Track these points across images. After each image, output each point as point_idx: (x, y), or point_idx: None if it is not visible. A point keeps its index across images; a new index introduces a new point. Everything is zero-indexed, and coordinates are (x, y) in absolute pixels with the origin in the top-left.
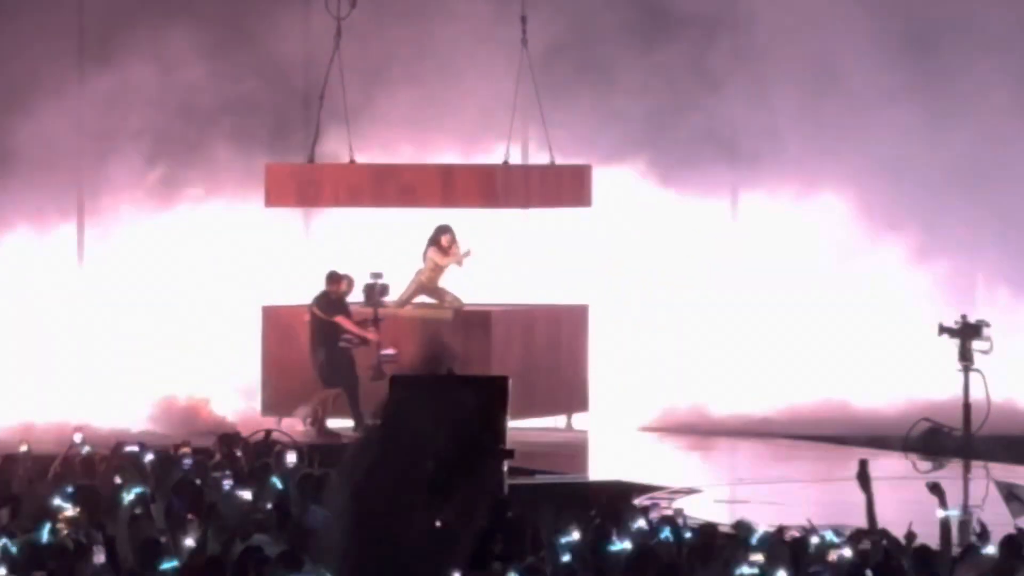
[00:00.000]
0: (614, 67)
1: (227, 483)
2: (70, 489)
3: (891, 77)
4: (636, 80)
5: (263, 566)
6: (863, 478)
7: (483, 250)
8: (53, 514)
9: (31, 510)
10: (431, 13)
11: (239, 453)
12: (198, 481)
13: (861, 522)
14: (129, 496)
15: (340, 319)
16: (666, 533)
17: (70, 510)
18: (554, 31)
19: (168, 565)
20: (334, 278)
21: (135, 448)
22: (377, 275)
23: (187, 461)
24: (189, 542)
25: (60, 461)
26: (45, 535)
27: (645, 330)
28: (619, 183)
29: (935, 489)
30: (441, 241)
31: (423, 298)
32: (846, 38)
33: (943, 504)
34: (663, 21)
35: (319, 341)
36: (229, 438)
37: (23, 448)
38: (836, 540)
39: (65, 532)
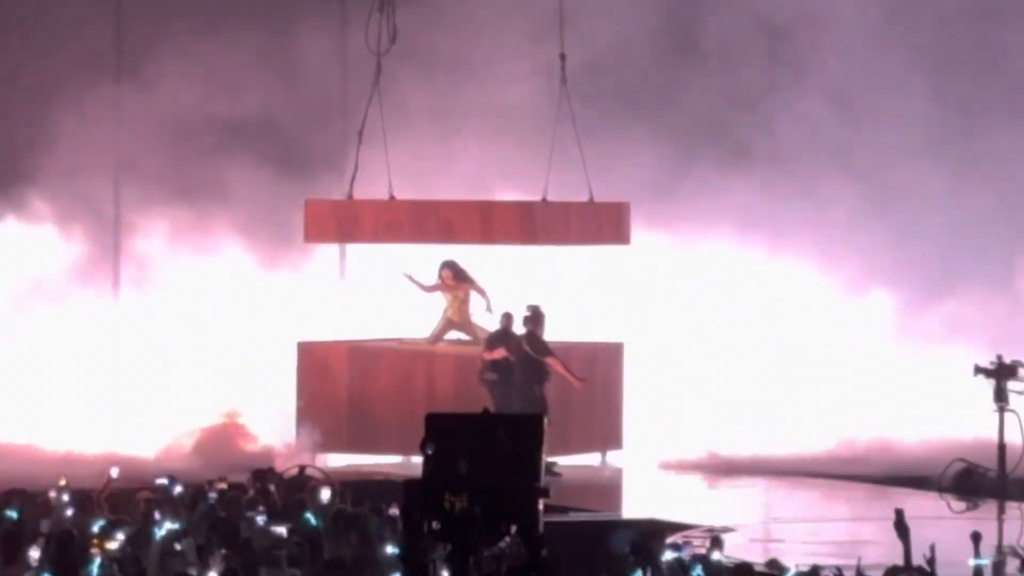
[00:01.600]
0: (646, 99)
1: (260, 518)
2: (102, 523)
3: (924, 106)
4: (668, 113)
5: None
6: (900, 527)
7: (520, 287)
8: (94, 549)
9: (72, 545)
10: (469, 48)
11: (272, 488)
12: (223, 514)
13: (896, 561)
14: (161, 531)
15: (552, 360)
16: (698, 571)
17: (110, 543)
18: (586, 64)
19: None
20: (538, 315)
21: (164, 481)
22: (533, 307)
23: (212, 495)
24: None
25: (101, 495)
26: (95, 570)
27: (680, 368)
28: (654, 219)
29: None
30: (442, 275)
31: (458, 335)
32: (882, 65)
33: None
34: (694, 52)
35: (528, 380)
36: (263, 473)
37: (61, 482)
38: None
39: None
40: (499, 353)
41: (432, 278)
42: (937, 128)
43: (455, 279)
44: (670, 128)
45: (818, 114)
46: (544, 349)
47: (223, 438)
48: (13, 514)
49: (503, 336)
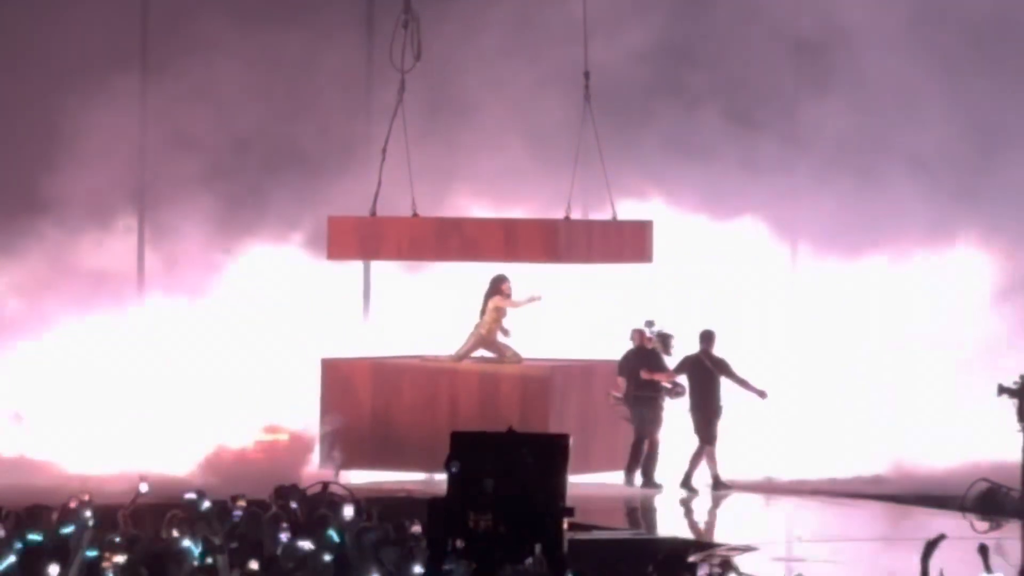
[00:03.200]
0: (669, 113)
1: (284, 535)
2: (118, 539)
3: (942, 117)
4: (690, 127)
5: None
6: (928, 552)
7: (542, 304)
8: (105, 563)
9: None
10: (490, 67)
11: (295, 505)
12: (248, 531)
13: None
14: (197, 548)
15: (733, 375)
16: None
17: (118, 557)
18: (610, 81)
19: None
20: (713, 335)
21: (193, 496)
22: (651, 323)
23: (236, 513)
24: None
25: (127, 511)
26: None
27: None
28: (681, 237)
29: (981, 551)
30: (503, 289)
31: (482, 352)
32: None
33: (987, 567)
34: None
35: (713, 397)
36: (285, 490)
37: (85, 497)
38: None
39: None
40: (662, 376)
41: (455, 292)
42: (957, 145)
43: (510, 294)
44: (694, 142)
45: (842, 125)
46: (726, 367)
47: (266, 455)
48: (37, 537)
49: (650, 355)
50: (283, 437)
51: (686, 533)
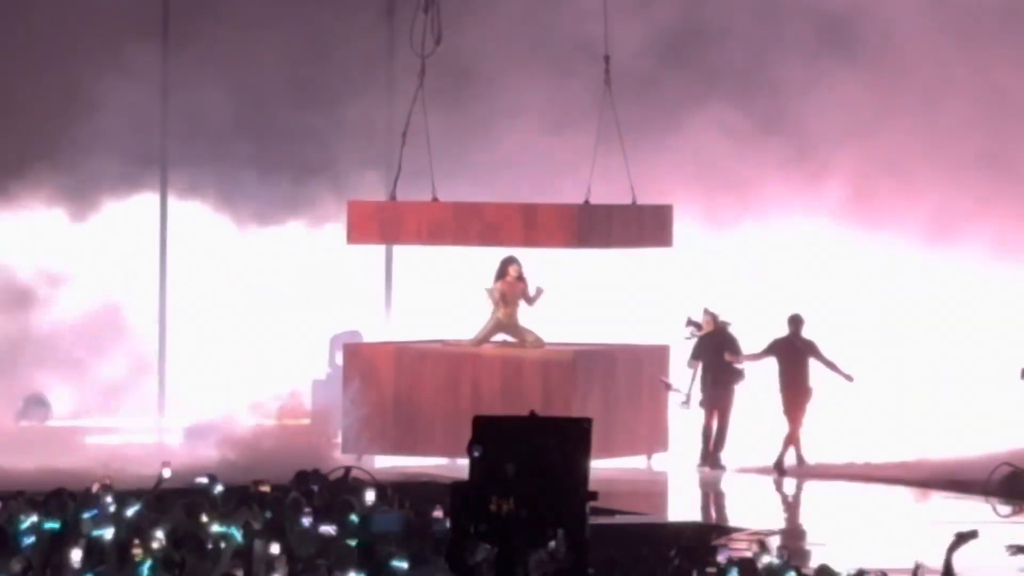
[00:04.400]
0: (691, 94)
1: (306, 520)
2: (149, 525)
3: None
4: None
5: None
6: (956, 544)
7: (564, 289)
8: (136, 550)
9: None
10: (511, 49)
11: (316, 489)
12: (270, 516)
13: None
14: (238, 532)
15: (822, 358)
16: (734, 575)
17: (155, 543)
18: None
19: None
20: (801, 319)
21: (204, 480)
22: (708, 310)
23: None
24: None
25: (150, 497)
26: (146, 572)
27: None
28: (696, 222)
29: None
30: (509, 271)
31: (503, 336)
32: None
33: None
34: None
35: (802, 378)
36: (307, 475)
37: (107, 482)
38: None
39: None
40: (747, 358)
41: (467, 277)
42: (981, 116)
43: (519, 278)
44: (716, 124)
45: (866, 102)
46: (815, 349)
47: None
48: (54, 525)
49: (726, 340)
50: (304, 421)
51: (709, 517)
